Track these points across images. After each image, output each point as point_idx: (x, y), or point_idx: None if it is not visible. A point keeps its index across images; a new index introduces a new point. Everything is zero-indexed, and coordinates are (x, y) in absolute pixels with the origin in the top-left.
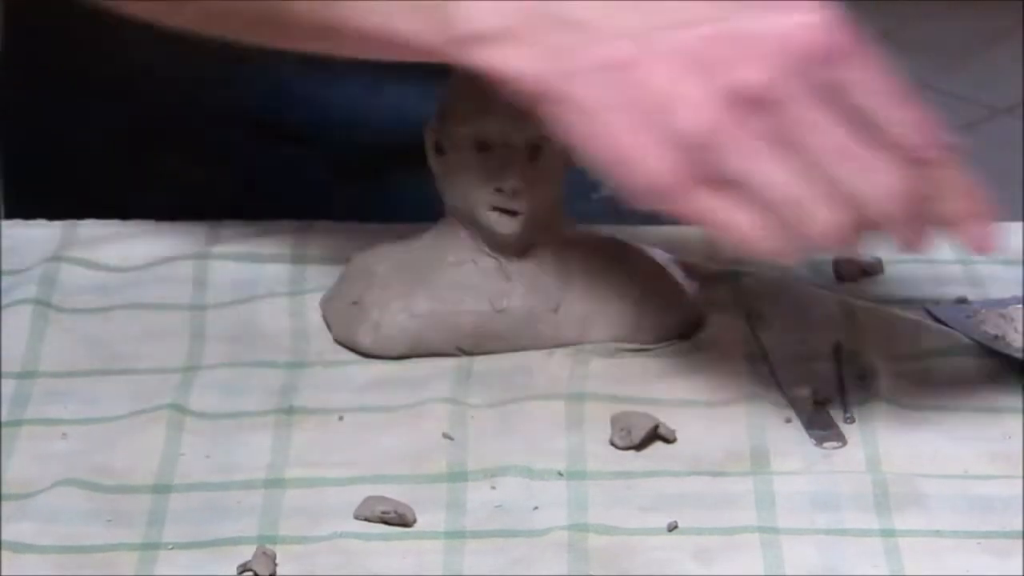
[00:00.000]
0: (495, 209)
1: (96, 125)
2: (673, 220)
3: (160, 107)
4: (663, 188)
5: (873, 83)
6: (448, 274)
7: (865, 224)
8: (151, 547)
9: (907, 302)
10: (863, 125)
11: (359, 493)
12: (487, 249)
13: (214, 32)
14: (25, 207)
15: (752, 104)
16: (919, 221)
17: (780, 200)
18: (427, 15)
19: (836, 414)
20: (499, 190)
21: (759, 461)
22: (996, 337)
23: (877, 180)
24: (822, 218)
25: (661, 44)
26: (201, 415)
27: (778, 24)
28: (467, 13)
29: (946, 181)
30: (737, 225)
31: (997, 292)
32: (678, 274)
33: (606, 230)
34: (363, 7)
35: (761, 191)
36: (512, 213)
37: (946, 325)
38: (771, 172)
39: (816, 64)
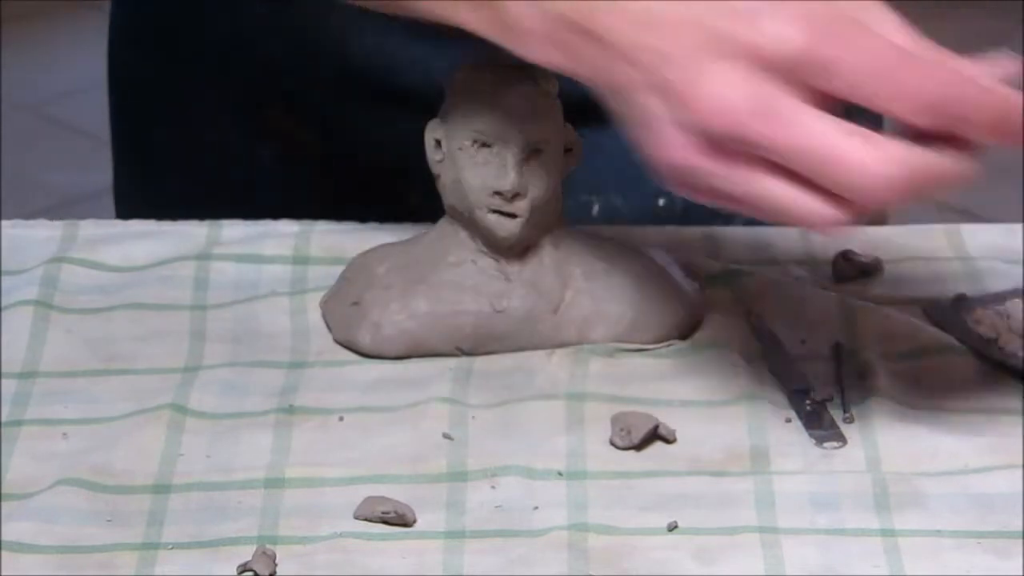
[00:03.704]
0: (494, 212)
1: (209, 90)
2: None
3: (273, 72)
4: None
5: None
6: (448, 274)
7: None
8: (151, 547)
9: (907, 302)
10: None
11: (359, 493)
12: (487, 249)
13: None
14: (137, 170)
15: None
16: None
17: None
18: (483, 12)
19: (836, 414)
20: (498, 193)
21: (759, 461)
22: (991, 340)
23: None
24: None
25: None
26: (201, 415)
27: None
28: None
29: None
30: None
31: (996, 289)
32: (678, 274)
33: (606, 230)
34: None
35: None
36: (511, 216)
37: (943, 328)
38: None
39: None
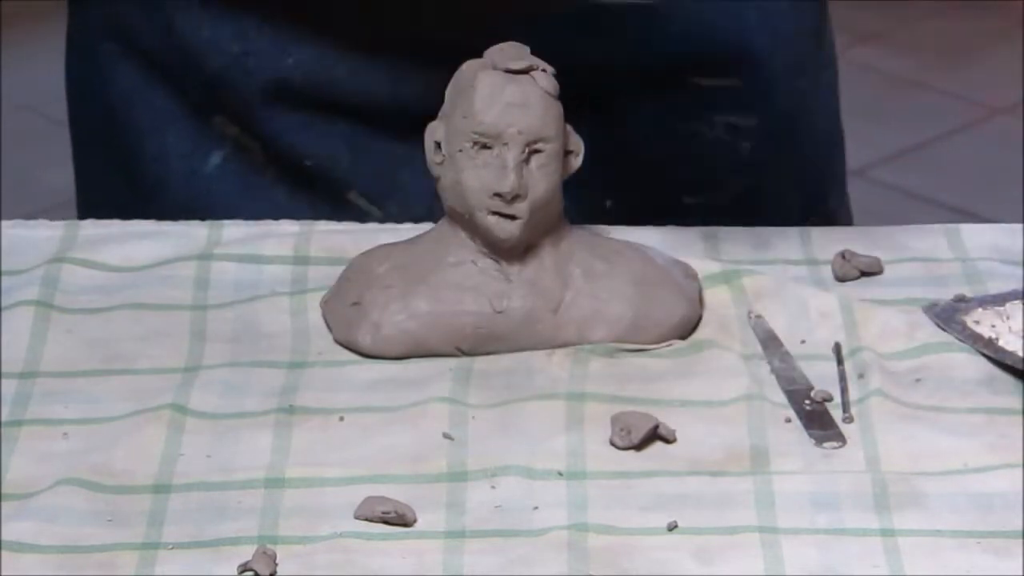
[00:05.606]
0: (494, 213)
1: (160, 100)
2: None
3: (218, 83)
4: None
5: None
6: (448, 275)
7: None
8: (151, 547)
9: (906, 302)
10: None
11: (359, 493)
12: (487, 250)
13: None
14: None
15: None
16: None
17: None
18: None
19: (836, 414)
20: (498, 194)
21: (759, 461)
22: (991, 340)
23: None
24: None
25: None
26: (201, 415)
27: None
28: None
29: None
30: None
31: (996, 291)
32: (678, 274)
33: (606, 230)
34: None
35: None
36: (511, 217)
37: (943, 328)
38: None
39: None
